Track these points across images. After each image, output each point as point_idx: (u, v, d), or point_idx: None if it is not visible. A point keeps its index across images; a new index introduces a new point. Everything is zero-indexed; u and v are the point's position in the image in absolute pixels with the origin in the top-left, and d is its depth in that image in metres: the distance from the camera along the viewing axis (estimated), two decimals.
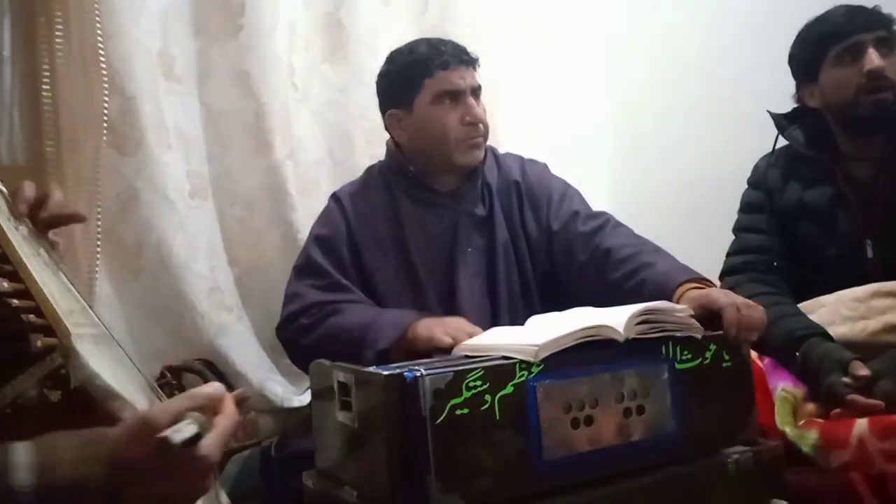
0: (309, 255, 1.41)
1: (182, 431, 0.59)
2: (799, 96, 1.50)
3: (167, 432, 0.58)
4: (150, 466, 0.59)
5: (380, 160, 1.56)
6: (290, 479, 1.12)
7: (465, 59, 1.43)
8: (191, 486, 0.62)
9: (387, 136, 1.55)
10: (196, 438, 0.60)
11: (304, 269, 1.41)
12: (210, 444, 0.61)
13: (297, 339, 1.34)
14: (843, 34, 1.38)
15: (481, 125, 1.42)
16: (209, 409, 0.64)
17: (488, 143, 1.51)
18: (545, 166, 1.56)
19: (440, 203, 1.45)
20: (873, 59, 1.35)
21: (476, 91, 1.44)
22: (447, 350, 1.09)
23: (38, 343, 0.75)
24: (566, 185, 1.52)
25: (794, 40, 1.49)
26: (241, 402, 0.72)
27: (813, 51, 1.43)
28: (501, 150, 1.61)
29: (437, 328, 1.15)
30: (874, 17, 1.39)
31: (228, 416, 0.66)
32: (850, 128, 1.43)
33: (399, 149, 1.48)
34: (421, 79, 1.41)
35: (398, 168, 1.48)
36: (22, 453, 0.58)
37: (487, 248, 1.44)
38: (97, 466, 0.59)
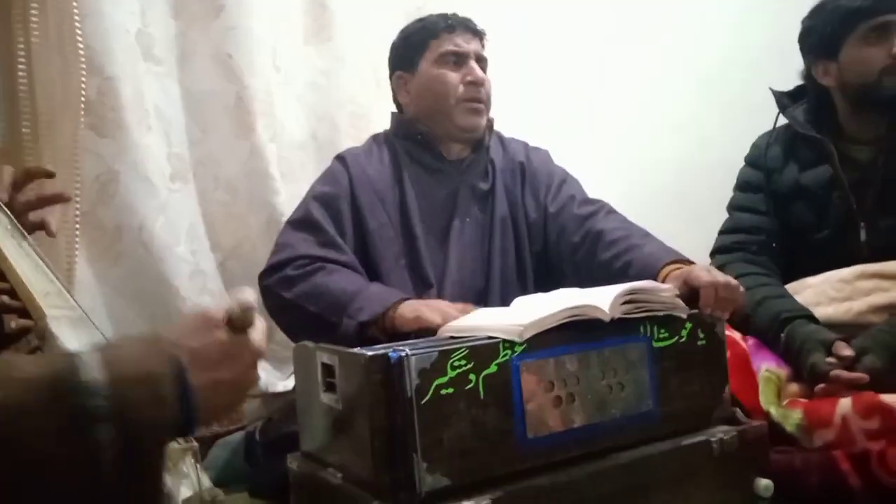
0: (307, 209, 1.37)
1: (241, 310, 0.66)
2: (810, 73, 1.46)
3: (233, 306, 0.65)
4: (214, 354, 0.64)
5: (385, 129, 1.56)
6: (275, 462, 1.11)
7: (471, 28, 1.47)
8: (247, 374, 0.67)
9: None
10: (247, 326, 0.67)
11: (300, 222, 1.37)
12: (257, 336, 0.68)
13: (279, 290, 1.28)
14: (873, 12, 1.35)
15: (482, 89, 1.45)
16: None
17: (494, 129, 1.54)
18: (548, 153, 1.59)
19: (444, 170, 1.46)
20: None
21: (481, 60, 1.47)
22: (432, 331, 1.08)
23: (13, 324, 0.74)
24: (566, 172, 1.56)
25: (812, 13, 1.44)
26: None
27: (837, 26, 1.39)
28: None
29: (424, 309, 1.14)
30: None
31: (260, 318, 0.71)
32: (865, 108, 1.40)
33: (403, 114, 1.49)
34: (427, 40, 1.45)
35: (405, 133, 1.49)
36: (85, 353, 0.58)
37: (485, 222, 1.45)
38: (162, 357, 0.60)
